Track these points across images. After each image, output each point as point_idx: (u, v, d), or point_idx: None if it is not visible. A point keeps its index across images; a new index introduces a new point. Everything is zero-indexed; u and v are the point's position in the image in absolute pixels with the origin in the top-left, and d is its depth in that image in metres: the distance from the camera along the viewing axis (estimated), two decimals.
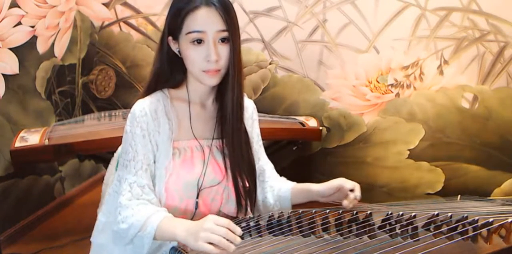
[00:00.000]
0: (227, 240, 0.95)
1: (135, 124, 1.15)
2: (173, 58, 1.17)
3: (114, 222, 1.13)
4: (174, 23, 1.12)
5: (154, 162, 1.17)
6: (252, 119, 1.33)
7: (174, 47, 1.16)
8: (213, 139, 1.23)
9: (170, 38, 1.15)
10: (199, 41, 1.10)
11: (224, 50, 1.11)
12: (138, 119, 1.15)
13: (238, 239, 0.96)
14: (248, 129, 1.29)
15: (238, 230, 0.97)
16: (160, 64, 1.19)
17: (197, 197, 1.18)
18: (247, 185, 1.23)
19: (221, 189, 1.21)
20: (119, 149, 1.39)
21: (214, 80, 1.14)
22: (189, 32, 1.10)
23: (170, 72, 1.19)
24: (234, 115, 1.19)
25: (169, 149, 1.17)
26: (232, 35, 1.11)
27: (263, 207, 1.34)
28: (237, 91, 1.17)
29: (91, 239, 1.31)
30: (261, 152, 1.37)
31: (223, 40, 1.11)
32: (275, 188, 1.33)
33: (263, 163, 1.36)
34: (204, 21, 1.09)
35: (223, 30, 1.10)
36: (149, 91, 1.20)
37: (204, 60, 1.10)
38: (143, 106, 1.16)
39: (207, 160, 1.20)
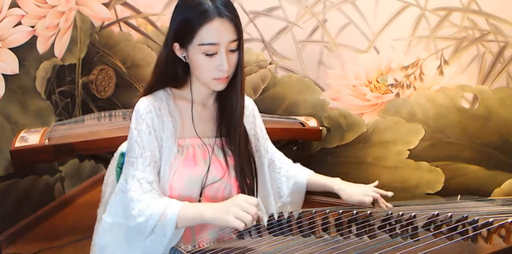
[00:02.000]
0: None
1: (140, 121, 1.15)
2: (177, 61, 1.18)
3: (128, 219, 1.13)
4: (184, 32, 1.12)
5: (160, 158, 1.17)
6: (254, 116, 1.35)
7: (179, 53, 1.16)
8: (216, 137, 1.24)
9: (176, 44, 1.15)
10: (212, 53, 1.10)
11: (233, 58, 1.13)
12: (143, 116, 1.15)
13: (264, 220, 1.03)
14: (250, 125, 1.32)
15: (261, 214, 1.05)
16: (163, 67, 1.19)
17: (200, 195, 1.19)
18: (248, 182, 1.24)
19: (222, 186, 1.22)
20: (119, 148, 1.39)
21: (223, 86, 1.16)
22: (202, 44, 1.09)
23: (173, 74, 1.19)
24: (238, 116, 1.22)
25: (173, 147, 1.17)
26: (240, 42, 1.13)
27: (276, 198, 1.39)
28: (241, 94, 1.20)
29: (94, 239, 1.30)
30: (268, 144, 1.40)
31: (232, 49, 1.12)
32: (290, 180, 1.39)
33: (272, 154, 1.40)
34: (218, 33, 1.09)
35: (235, 40, 1.11)
36: (151, 90, 1.21)
37: (215, 69, 1.12)
38: (147, 104, 1.17)
39: (210, 158, 1.21)
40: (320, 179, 1.38)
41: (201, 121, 1.23)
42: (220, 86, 1.15)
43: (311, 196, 1.42)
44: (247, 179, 1.24)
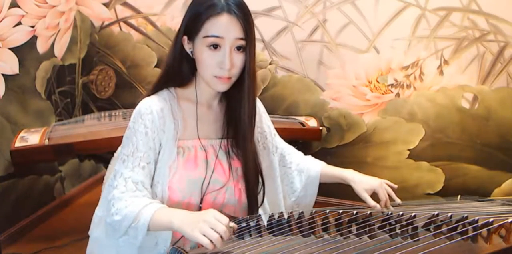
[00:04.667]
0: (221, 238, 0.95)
1: (139, 121, 1.15)
2: (185, 57, 1.18)
3: (107, 215, 1.13)
4: (192, 25, 1.12)
5: (156, 161, 1.17)
6: (260, 114, 1.34)
7: (187, 47, 1.16)
8: (221, 139, 1.23)
9: (185, 38, 1.15)
10: (216, 46, 1.10)
11: (238, 59, 1.12)
12: (143, 117, 1.15)
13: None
14: (257, 124, 1.31)
15: (227, 234, 0.97)
16: (171, 62, 1.19)
17: (201, 202, 1.19)
18: (252, 187, 1.24)
19: (224, 189, 1.22)
20: (119, 148, 1.39)
21: (224, 87, 1.15)
22: (207, 36, 1.10)
23: (180, 71, 1.19)
24: (248, 122, 1.21)
25: (174, 148, 1.17)
26: (248, 44, 1.12)
27: (290, 193, 1.39)
28: (251, 100, 1.19)
29: (89, 232, 1.31)
30: (277, 140, 1.40)
31: (239, 48, 1.12)
32: (303, 174, 1.39)
33: (282, 150, 1.40)
34: (224, 27, 1.09)
35: (241, 39, 1.11)
36: (156, 88, 1.21)
37: (217, 66, 1.11)
38: (149, 104, 1.16)
39: (213, 160, 1.21)
40: (332, 171, 1.39)
41: (205, 123, 1.23)
42: (221, 86, 1.14)
43: None
44: (251, 183, 1.24)
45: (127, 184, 1.12)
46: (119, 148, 1.38)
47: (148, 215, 1.04)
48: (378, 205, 1.27)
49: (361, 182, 1.32)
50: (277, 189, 1.36)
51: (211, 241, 0.94)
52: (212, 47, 1.10)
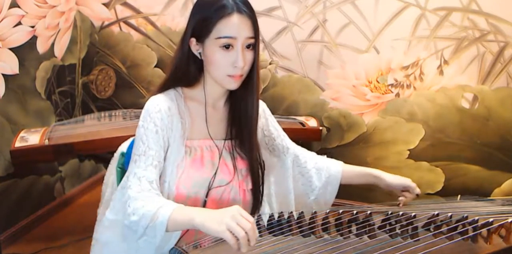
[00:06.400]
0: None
1: (148, 120, 1.15)
2: (192, 58, 1.19)
3: (123, 216, 1.12)
4: (202, 27, 1.13)
5: (165, 159, 1.17)
6: (265, 117, 1.35)
7: (195, 48, 1.17)
8: (227, 139, 1.24)
9: (192, 40, 1.16)
10: (228, 46, 1.11)
11: (249, 56, 1.14)
12: (151, 115, 1.15)
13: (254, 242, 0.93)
14: (263, 127, 1.33)
15: (256, 232, 0.95)
16: (178, 64, 1.20)
17: (206, 196, 1.19)
18: (257, 187, 1.25)
19: (228, 189, 1.22)
20: (119, 148, 1.39)
21: (236, 85, 1.16)
22: (220, 37, 1.11)
23: (187, 72, 1.20)
24: (253, 118, 1.22)
25: (181, 147, 1.18)
26: (257, 42, 1.14)
27: (308, 191, 1.38)
28: (256, 96, 1.21)
29: (95, 235, 1.29)
30: (287, 141, 1.40)
31: (248, 46, 1.13)
32: (322, 172, 1.38)
33: (293, 150, 1.40)
34: (237, 27, 1.11)
35: (251, 37, 1.13)
36: (163, 88, 1.22)
37: (231, 65, 1.12)
38: (157, 103, 1.17)
39: (218, 160, 1.21)
40: (355, 168, 1.40)
41: (211, 123, 1.23)
42: (234, 84, 1.16)
43: None
44: (256, 183, 1.24)
45: (141, 183, 1.11)
46: (119, 148, 1.39)
47: (167, 213, 1.01)
48: (417, 188, 1.33)
49: (393, 177, 1.35)
50: (288, 189, 1.36)
51: (237, 239, 0.91)
52: (225, 47, 1.11)
